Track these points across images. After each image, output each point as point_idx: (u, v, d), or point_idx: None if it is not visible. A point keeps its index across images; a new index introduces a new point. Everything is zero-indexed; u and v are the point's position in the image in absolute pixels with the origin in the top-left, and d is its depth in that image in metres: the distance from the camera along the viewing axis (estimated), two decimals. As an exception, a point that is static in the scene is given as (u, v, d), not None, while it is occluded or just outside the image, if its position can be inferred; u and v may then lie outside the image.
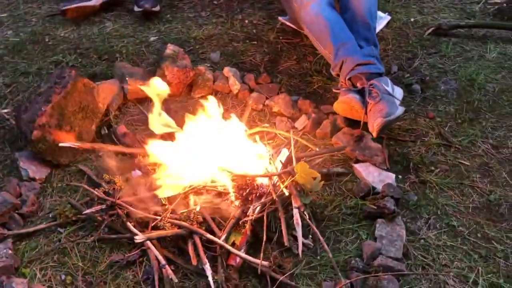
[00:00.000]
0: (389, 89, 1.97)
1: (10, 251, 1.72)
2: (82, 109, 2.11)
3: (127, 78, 2.31)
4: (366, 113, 1.93)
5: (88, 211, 1.81)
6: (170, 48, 2.44)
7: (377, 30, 2.68)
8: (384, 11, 2.83)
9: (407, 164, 2.03)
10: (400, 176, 1.99)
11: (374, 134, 1.92)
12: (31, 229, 1.84)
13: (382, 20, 2.76)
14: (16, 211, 1.89)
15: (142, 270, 1.70)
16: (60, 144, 1.94)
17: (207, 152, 1.81)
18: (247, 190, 1.73)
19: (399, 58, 2.57)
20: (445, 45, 2.64)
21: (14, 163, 2.08)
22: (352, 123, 2.12)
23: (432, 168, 2.01)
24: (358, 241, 1.77)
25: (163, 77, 2.33)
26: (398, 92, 2.04)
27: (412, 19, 2.85)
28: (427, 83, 2.40)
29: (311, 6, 2.16)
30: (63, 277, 1.70)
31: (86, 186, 1.92)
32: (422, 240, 1.76)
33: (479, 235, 1.78)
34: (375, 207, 1.81)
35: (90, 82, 2.15)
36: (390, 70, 2.48)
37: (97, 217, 1.82)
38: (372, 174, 1.96)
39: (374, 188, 1.90)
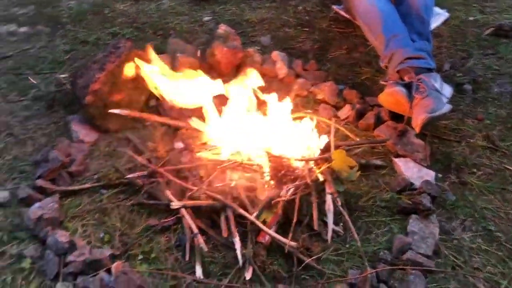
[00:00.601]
0: (438, 85, 1.93)
1: (56, 205, 1.83)
2: (133, 79, 2.19)
3: (178, 55, 2.37)
4: (411, 107, 1.91)
5: (130, 176, 1.89)
6: (222, 29, 2.48)
7: (433, 26, 2.62)
8: (442, 8, 2.75)
9: (449, 163, 1.99)
10: (440, 175, 1.96)
11: (417, 130, 1.90)
12: (76, 188, 1.95)
13: (440, 16, 2.68)
14: (65, 170, 1.99)
15: (175, 237, 1.77)
16: (110, 110, 2.02)
17: (248, 130, 1.85)
18: (282, 172, 1.75)
19: (453, 56, 2.51)
20: (504, 47, 2.55)
21: (67, 125, 2.20)
22: (396, 117, 2.10)
23: (475, 170, 1.96)
24: (390, 234, 1.76)
25: (213, 56, 2.38)
26: (447, 90, 2.00)
27: (471, 18, 2.77)
28: (479, 84, 2.34)
29: (366, -4, 2.14)
30: (101, 235, 1.79)
31: (130, 153, 2.01)
32: (456, 241, 1.73)
33: (516, 242, 1.74)
34: (410, 203, 1.79)
35: (143, 54, 2.22)
36: (442, 68, 2.43)
37: (138, 183, 1.90)
38: (412, 169, 1.94)
39: (411, 183, 1.88)
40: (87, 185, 1.96)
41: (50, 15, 3.00)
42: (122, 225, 1.82)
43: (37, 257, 1.70)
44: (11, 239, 1.77)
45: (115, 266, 1.64)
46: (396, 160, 1.98)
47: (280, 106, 1.94)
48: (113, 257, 1.70)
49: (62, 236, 1.70)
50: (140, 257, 1.72)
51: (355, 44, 2.61)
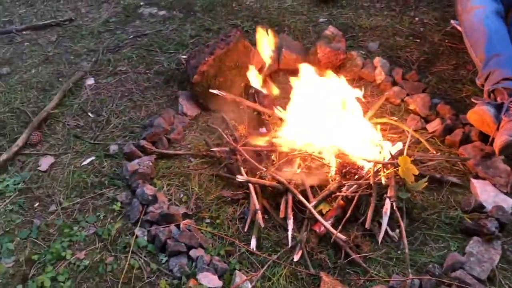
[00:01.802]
0: (532, 111, 1.83)
1: (151, 164, 2.12)
2: (237, 66, 2.42)
3: (283, 49, 2.54)
4: (497, 129, 1.84)
5: (215, 149, 2.12)
6: (330, 30, 2.59)
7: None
8: None
9: (533, 195, 1.88)
10: (519, 205, 1.86)
11: (497, 151, 1.83)
12: (171, 152, 2.23)
13: None
14: (165, 135, 2.29)
15: (241, 210, 1.95)
16: (211, 90, 2.27)
17: (324, 125, 1.95)
18: (347, 168, 1.83)
19: None
20: None
21: (176, 99, 2.50)
22: (487, 140, 2.03)
23: (561, 206, 1.83)
24: (445, 250, 1.74)
25: (315, 54, 2.50)
26: (545, 118, 1.88)
27: None
28: None
29: (474, 12, 2.09)
30: (181, 195, 2.05)
31: (220, 130, 2.23)
32: (517, 273, 1.66)
33: None
34: (475, 224, 1.74)
35: (249, 45, 2.44)
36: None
37: (221, 157, 2.11)
38: (488, 193, 1.88)
39: (484, 207, 1.82)
40: (180, 152, 2.24)
41: (187, 3, 3.38)
42: (200, 191, 2.05)
43: (126, 203, 2.01)
44: (110, 184, 2.11)
45: (184, 222, 1.87)
46: (474, 181, 1.93)
47: (358, 107, 2.00)
48: (185, 216, 1.94)
49: (148, 190, 1.99)
50: (207, 220, 1.93)
51: (465, 61, 2.52)
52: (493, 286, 1.62)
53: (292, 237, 1.76)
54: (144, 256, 1.80)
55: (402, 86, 2.39)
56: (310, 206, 1.78)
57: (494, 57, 1.99)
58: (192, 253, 1.77)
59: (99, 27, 3.20)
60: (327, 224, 1.72)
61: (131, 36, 3.07)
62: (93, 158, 2.23)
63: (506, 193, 1.87)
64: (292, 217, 1.78)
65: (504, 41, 2.01)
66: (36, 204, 2.03)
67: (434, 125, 2.18)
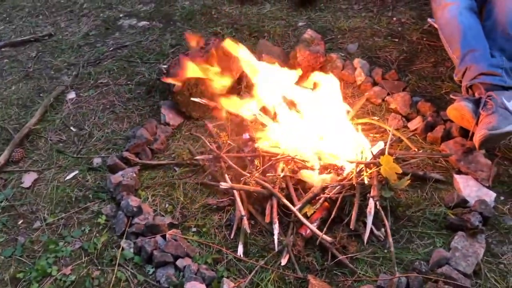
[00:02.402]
0: (510, 104, 1.85)
1: (135, 175, 2.12)
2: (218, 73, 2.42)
3: (263, 55, 2.55)
4: (476, 123, 1.86)
5: (198, 157, 2.11)
6: (308, 33, 2.61)
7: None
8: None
9: (515, 187, 1.90)
10: (502, 198, 1.88)
11: (477, 146, 1.84)
12: (154, 162, 2.22)
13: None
14: (148, 146, 2.28)
15: (227, 217, 1.94)
16: (192, 99, 2.26)
17: (305, 128, 1.95)
18: (331, 170, 1.83)
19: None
20: None
21: (159, 109, 2.49)
22: (467, 135, 2.05)
23: (543, 197, 1.85)
24: (431, 247, 1.75)
25: (295, 58, 2.52)
26: (523, 111, 1.90)
27: None
28: None
29: (448, 8, 2.11)
30: (166, 205, 2.04)
31: (203, 138, 2.23)
32: (502, 265, 1.67)
33: None
34: (459, 219, 1.76)
35: (229, 52, 2.43)
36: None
37: (205, 165, 2.11)
38: (471, 188, 1.89)
39: (467, 201, 1.84)
40: (163, 162, 2.23)
41: (166, 12, 3.38)
42: (185, 200, 2.04)
43: (111, 215, 2.00)
44: (95, 198, 2.09)
45: (169, 232, 1.86)
46: (456, 176, 1.94)
47: (338, 107, 2.01)
48: (171, 226, 1.93)
49: (133, 201, 1.97)
50: (194, 229, 1.93)
51: (443, 58, 2.55)
52: (479, 279, 1.63)
53: (278, 241, 1.76)
54: (131, 268, 1.79)
55: (383, 86, 2.41)
56: (295, 209, 1.78)
57: (470, 53, 2.01)
58: (179, 262, 1.76)
59: (79, 40, 3.19)
60: (313, 227, 1.73)
61: (112, 48, 3.06)
62: (76, 172, 2.22)
63: (488, 187, 1.89)
64: (277, 221, 1.78)
65: (478, 37, 2.04)
66: (20, 222, 2.01)
67: (415, 123, 2.20)
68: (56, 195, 2.11)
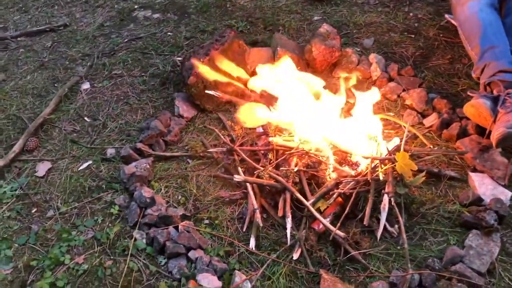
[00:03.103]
0: (529, 102, 1.83)
1: (148, 166, 2.12)
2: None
3: (278, 48, 2.53)
4: (494, 121, 1.84)
5: (212, 150, 2.11)
6: (324, 28, 2.59)
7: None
8: None
9: (532, 186, 1.87)
10: (518, 197, 1.86)
11: (494, 144, 1.82)
12: (168, 154, 2.22)
13: None
14: (162, 138, 2.29)
15: (239, 210, 1.94)
16: (206, 91, 2.26)
17: (321, 122, 1.94)
18: (345, 165, 1.82)
19: None
20: None
21: (173, 101, 2.50)
22: (484, 133, 2.02)
23: (560, 197, 1.82)
24: (445, 244, 1.74)
25: (310, 52, 2.50)
26: (542, 109, 1.87)
27: None
28: None
29: (468, 5, 2.08)
30: (179, 197, 2.04)
31: (217, 131, 2.23)
32: (517, 265, 1.65)
33: None
34: (474, 217, 1.74)
35: (243, 45, 2.43)
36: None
37: (218, 158, 2.11)
38: (486, 186, 1.87)
39: (482, 200, 1.82)
40: (177, 154, 2.23)
41: (181, 5, 3.37)
42: (198, 192, 2.04)
43: (124, 206, 2.01)
44: (108, 188, 2.10)
45: (182, 224, 1.87)
46: (472, 174, 1.92)
47: (364, 103, 1.99)
48: (184, 217, 1.94)
49: (146, 192, 1.98)
50: (206, 221, 1.93)
51: (460, 55, 2.52)
52: (493, 278, 1.62)
53: (291, 236, 1.76)
54: (143, 259, 1.80)
55: (398, 82, 2.38)
56: (308, 204, 1.78)
57: (489, 50, 1.98)
58: (191, 254, 1.76)
59: (94, 31, 3.19)
60: (326, 222, 1.72)
61: (126, 40, 3.06)
62: (90, 162, 2.23)
63: (504, 186, 1.87)
64: (290, 216, 1.78)
65: (499, 33, 2.01)
66: (34, 210, 2.03)
67: (431, 120, 2.18)
68: (70, 184, 2.12)
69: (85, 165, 2.22)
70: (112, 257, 1.82)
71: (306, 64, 2.56)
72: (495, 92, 1.92)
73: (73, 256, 1.82)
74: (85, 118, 2.48)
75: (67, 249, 1.85)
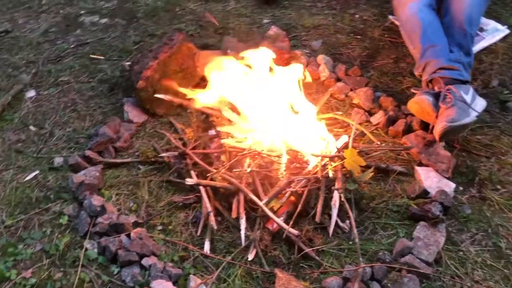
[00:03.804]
0: (467, 97, 1.92)
1: (98, 174, 2.07)
2: (183, 70, 2.40)
3: (228, 51, 2.54)
4: (436, 117, 1.91)
5: (163, 154, 2.09)
6: (273, 30, 2.62)
7: (490, 42, 2.58)
8: (505, 25, 2.68)
9: (473, 178, 1.96)
10: (461, 188, 1.94)
11: (437, 138, 1.90)
12: (118, 161, 2.18)
13: (498, 33, 2.63)
14: (112, 144, 2.24)
15: (193, 214, 1.93)
16: (156, 95, 2.24)
17: (271, 123, 1.96)
18: (296, 164, 1.85)
19: (504, 73, 2.43)
20: None
21: (122, 106, 2.45)
22: (428, 128, 2.10)
23: (499, 187, 1.92)
24: (395, 237, 1.79)
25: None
26: (479, 104, 1.97)
27: (535, 36, 2.64)
28: (525, 103, 2.25)
29: (409, 5, 2.17)
30: (131, 204, 2.00)
31: (168, 135, 2.21)
32: (461, 253, 1.72)
33: (527, 263, 1.68)
34: (420, 209, 1.80)
35: (193, 48, 2.43)
36: (489, 84, 2.36)
37: (170, 162, 2.09)
38: (432, 179, 1.94)
39: (428, 192, 1.89)
40: (127, 160, 2.19)
41: (129, 9, 3.32)
42: (150, 198, 2.01)
43: (74, 216, 1.95)
44: (57, 198, 2.04)
45: (134, 231, 1.83)
46: (418, 168, 1.99)
47: (304, 104, 2.02)
48: (136, 224, 1.90)
49: (96, 200, 1.93)
50: (159, 227, 1.90)
51: (404, 54, 2.61)
52: (440, 267, 1.68)
53: (245, 237, 1.77)
54: (95, 269, 1.75)
55: (346, 82, 2.44)
56: (261, 204, 1.78)
57: (430, 48, 2.07)
58: (145, 261, 1.73)
59: (38, 37, 3.09)
60: (279, 221, 1.73)
61: (73, 46, 2.99)
62: (37, 172, 2.16)
63: (448, 178, 1.94)
64: (244, 217, 1.78)
65: (438, 32, 2.10)
66: (-23, 225, 1.94)
67: (378, 117, 2.24)
68: (15, 196, 2.04)
69: (31, 175, 2.14)
70: (62, 269, 1.76)
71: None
72: (436, 89, 2.00)
73: (20, 271, 1.75)
74: (31, 127, 2.40)
75: (13, 263, 1.78)
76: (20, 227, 1.92)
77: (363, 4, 3.09)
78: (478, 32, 2.55)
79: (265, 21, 3.05)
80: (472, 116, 1.89)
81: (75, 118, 2.44)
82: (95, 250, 1.81)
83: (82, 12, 3.35)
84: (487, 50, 2.56)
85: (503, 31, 2.63)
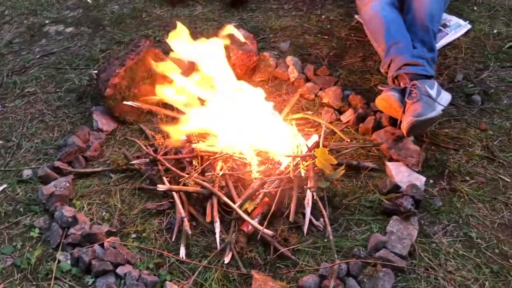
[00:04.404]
0: (433, 92, 1.95)
1: (68, 185, 2.03)
2: (151, 76, 2.38)
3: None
4: (404, 112, 1.95)
5: (134, 162, 2.07)
6: (240, 33, 2.61)
7: (453, 37, 2.64)
8: (466, 20, 2.75)
9: (443, 170, 2.00)
10: (431, 181, 1.97)
11: (405, 133, 1.93)
12: (88, 170, 2.15)
13: (461, 28, 2.69)
14: (81, 154, 2.20)
15: (167, 220, 1.91)
16: (124, 102, 2.21)
17: (242, 125, 1.96)
18: (268, 166, 1.85)
19: (468, 67, 2.49)
20: (524, 60, 2.50)
21: (91, 115, 2.41)
22: (396, 124, 2.13)
23: (468, 178, 1.96)
24: (368, 233, 1.81)
25: (228, 58, 2.51)
26: (445, 98, 2.01)
27: (495, 31, 2.72)
28: (489, 96, 2.31)
29: (371, 5, 2.20)
30: (103, 213, 1.97)
31: (139, 142, 2.18)
32: (434, 244, 1.75)
33: (496, 250, 1.72)
34: (392, 204, 1.83)
35: (160, 53, 2.41)
36: (454, 78, 2.42)
37: (141, 169, 2.07)
38: (402, 173, 1.97)
39: (399, 187, 1.92)
40: (98, 169, 2.16)
41: (94, 17, 3.28)
42: (123, 206, 1.99)
43: (45, 228, 1.91)
44: (26, 211, 1.99)
45: (107, 240, 1.81)
46: (388, 163, 2.02)
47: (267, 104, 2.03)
48: (109, 233, 1.87)
49: (67, 211, 1.90)
50: (133, 235, 1.88)
51: (371, 52, 2.65)
52: (414, 260, 1.70)
53: (220, 240, 1.76)
54: (69, 281, 1.72)
55: (315, 82, 2.46)
56: (235, 206, 1.78)
57: (394, 45, 2.10)
58: (120, 270, 1.71)
59: (2, 49, 3.03)
60: (254, 222, 1.73)
61: (38, 56, 2.93)
62: (5, 186, 2.11)
63: (418, 172, 1.98)
64: (218, 220, 1.78)
65: (401, 30, 2.14)
66: None
67: (347, 116, 2.26)
68: (-17, 211, 1.99)
69: (-1, 189, 2.09)
70: (34, 283, 1.73)
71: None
72: (402, 85, 2.03)
73: (-10, 287, 1.71)
74: (-3, 140, 2.34)
75: (-17, 280, 1.73)
76: (-11, 242, 1.87)
77: (329, 5, 3.12)
78: (441, 28, 2.61)
79: (233, 24, 3.05)
80: (438, 110, 1.92)
81: (43, 129, 2.40)
82: (68, 261, 1.77)
83: (46, 21, 3.29)
84: (451, 45, 2.63)
85: (465, 26, 2.70)
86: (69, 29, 3.19)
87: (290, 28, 2.95)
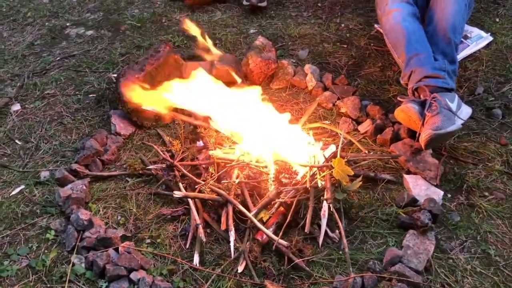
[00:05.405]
0: (453, 105, 1.93)
1: (84, 187, 2.05)
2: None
3: (215, 62, 2.54)
4: (423, 124, 1.92)
5: (151, 167, 2.07)
6: (259, 40, 2.62)
7: (474, 49, 2.61)
8: (488, 32, 2.71)
9: (461, 185, 1.97)
10: (449, 195, 1.95)
11: (423, 146, 1.91)
12: (105, 174, 2.16)
13: (482, 40, 2.66)
14: (99, 157, 2.22)
15: (182, 227, 1.91)
16: (143, 107, 2.22)
17: (260, 134, 1.96)
18: (285, 175, 1.84)
19: (488, 80, 2.46)
20: (547, 74, 2.46)
21: (109, 119, 2.43)
22: (415, 136, 2.11)
23: (486, 194, 1.93)
24: (384, 246, 1.79)
25: (247, 65, 2.52)
26: (465, 111, 1.98)
27: (517, 43, 2.68)
28: (510, 110, 2.28)
29: (392, 15, 2.19)
30: (118, 217, 1.98)
31: (156, 147, 2.19)
32: (451, 260, 1.72)
33: (515, 269, 1.69)
34: (409, 217, 1.80)
35: (179, 59, 2.42)
36: (475, 91, 2.39)
37: (158, 174, 2.07)
38: (420, 187, 1.95)
39: (416, 200, 1.89)
40: (115, 173, 2.17)
41: (115, 21, 3.31)
42: (138, 211, 1.99)
43: (61, 230, 1.93)
44: (43, 213, 2.01)
45: (122, 245, 1.81)
46: (406, 176, 2.00)
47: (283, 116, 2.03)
48: (124, 238, 1.88)
49: (83, 214, 1.91)
50: (148, 240, 1.88)
51: (390, 63, 2.63)
52: (430, 275, 1.68)
53: (235, 248, 1.75)
54: (83, 284, 1.73)
55: (333, 91, 2.45)
56: (250, 215, 1.78)
57: (415, 57, 2.08)
58: (133, 275, 1.71)
59: (23, 50, 3.07)
60: (269, 232, 1.73)
61: (58, 58, 2.97)
62: (22, 187, 2.13)
63: (436, 185, 1.95)
64: (233, 228, 1.77)
65: (422, 41, 2.11)
66: (-39, 242, 1.90)
67: (365, 126, 2.25)
68: (1, 211, 2.01)
69: (17, 190, 2.11)
70: (49, 285, 1.74)
71: (244, 76, 2.57)
72: (422, 97, 2.01)
73: (6, 288, 1.72)
74: (16, 141, 2.37)
75: (-2, 281, 1.75)
76: (5, 243, 1.89)
77: (348, 13, 3.11)
78: (463, 40, 2.58)
79: (252, 31, 3.06)
80: (458, 123, 1.90)
81: (62, 131, 2.42)
82: (83, 265, 1.78)
83: (68, 24, 3.33)
84: (471, 57, 2.60)
85: (487, 38, 2.67)
86: (90, 32, 3.23)
87: (309, 36, 2.94)
